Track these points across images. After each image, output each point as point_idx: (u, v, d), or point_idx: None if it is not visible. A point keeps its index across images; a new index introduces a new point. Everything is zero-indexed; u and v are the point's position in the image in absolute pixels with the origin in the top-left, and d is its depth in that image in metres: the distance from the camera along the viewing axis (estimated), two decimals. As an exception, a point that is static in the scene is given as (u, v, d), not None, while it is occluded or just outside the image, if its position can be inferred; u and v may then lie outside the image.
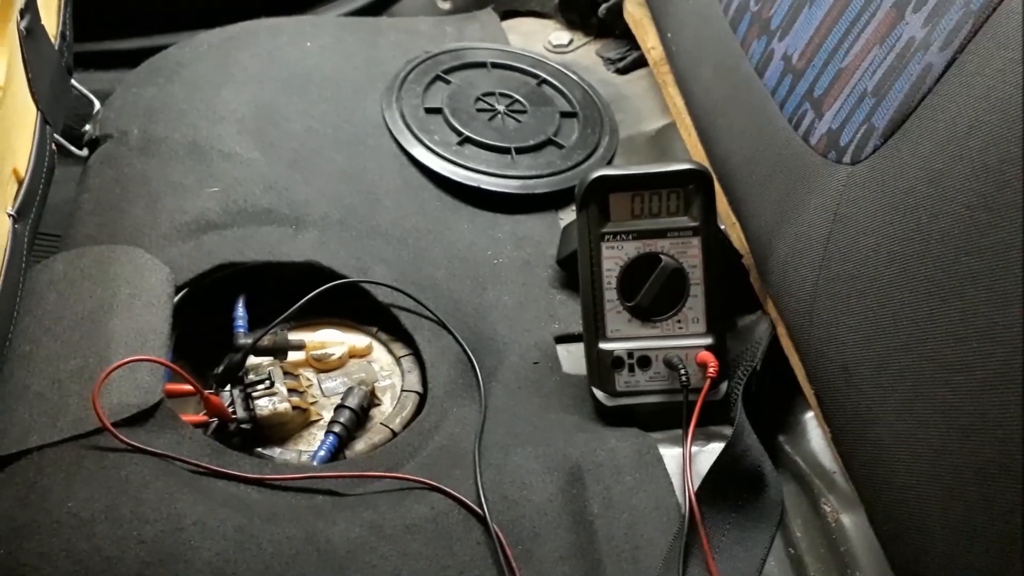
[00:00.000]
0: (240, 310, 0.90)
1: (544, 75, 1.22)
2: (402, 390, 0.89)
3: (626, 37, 1.30)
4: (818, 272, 0.74)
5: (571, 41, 1.35)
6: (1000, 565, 0.57)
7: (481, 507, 0.74)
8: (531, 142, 1.12)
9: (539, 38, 1.35)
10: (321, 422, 0.86)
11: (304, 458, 0.82)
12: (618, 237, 0.85)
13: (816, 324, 0.74)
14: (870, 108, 0.74)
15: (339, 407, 0.85)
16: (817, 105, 0.81)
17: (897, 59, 0.72)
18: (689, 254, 0.85)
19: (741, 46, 0.94)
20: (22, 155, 0.85)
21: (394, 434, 0.85)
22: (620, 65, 1.30)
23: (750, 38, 0.93)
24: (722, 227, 0.95)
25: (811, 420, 0.82)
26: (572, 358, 0.92)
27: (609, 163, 1.13)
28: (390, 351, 0.93)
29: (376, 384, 0.89)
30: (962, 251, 0.61)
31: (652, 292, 0.84)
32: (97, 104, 1.08)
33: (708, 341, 0.84)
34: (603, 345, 0.85)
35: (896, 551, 0.66)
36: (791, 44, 0.86)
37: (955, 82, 0.65)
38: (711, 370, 0.82)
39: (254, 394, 0.83)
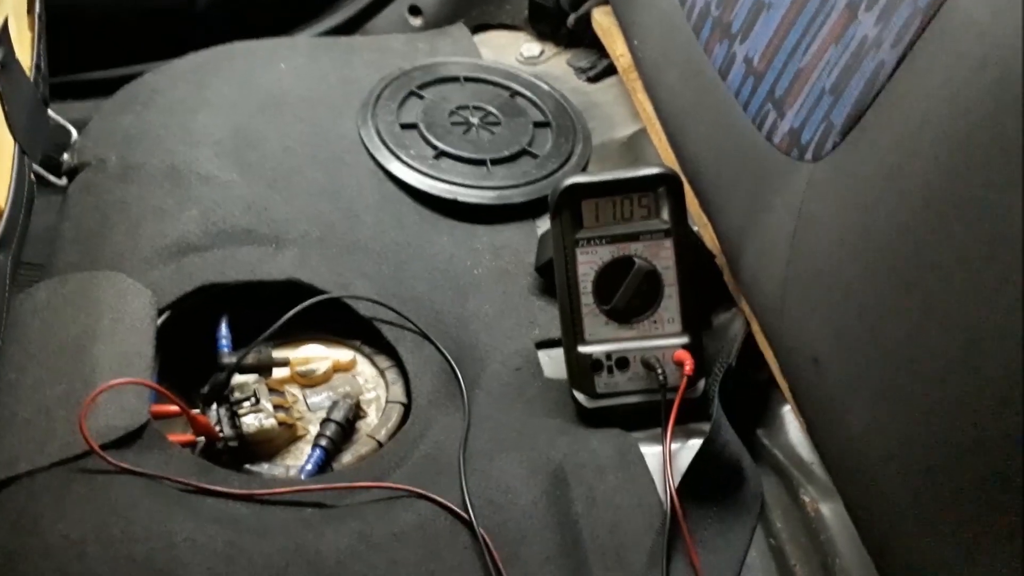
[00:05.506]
0: (223, 329, 0.92)
1: (516, 87, 1.24)
2: (387, 401, 0.91)
3: (595, 46, 1.32)
4: (786, 268, 0.76)
5: (542, 52, 1.37)
6: (963, 548, 0.58)
7: (467, 512, 0.75)
8: (506, 153, 1.14)
9: (510, 51, 1.37)
10: (308, 437, 0.87)
11: (292, 472, 0.84)
12: (592, 242, 0.87)
13: (787, 319, 0.76)
14: (829, 106, 0.75)
15: (325, 421, 0.86)
16: (779, 105, 0.82)
17: (852, 57, 0.74)
18: (662, 256, 0.87)
19: (704, 51, 0.96)
20: (1, 187, 0.86)
21: (380, 445, 0.86)
22: (591, 74, 1.32)
23: (712, 43, 0.95)
24: (694, 228, 0.97)
25: (788, 413, 0.84)
26: (553, 363, 0.93)
27: (583, 170, 1.15)
28: (374, 364, 0.94)
29: (361, 397, 0.90)
30: (920, 243, 0.62)
31: (627, 294, 0.86)
32: (74, 133, 1.09)
33: (684, 340, 0.86)
34: (582, 348, 0.86)
35: (868, 535, 0.68)
36: (752, 47, 0.88)
37: (906, 78, 0.67)
38: (688, 368, 0.84)
39: (240, 412, 0.84)
